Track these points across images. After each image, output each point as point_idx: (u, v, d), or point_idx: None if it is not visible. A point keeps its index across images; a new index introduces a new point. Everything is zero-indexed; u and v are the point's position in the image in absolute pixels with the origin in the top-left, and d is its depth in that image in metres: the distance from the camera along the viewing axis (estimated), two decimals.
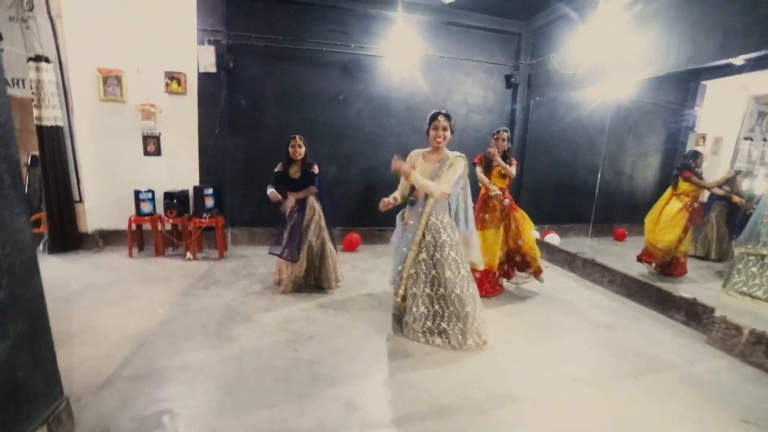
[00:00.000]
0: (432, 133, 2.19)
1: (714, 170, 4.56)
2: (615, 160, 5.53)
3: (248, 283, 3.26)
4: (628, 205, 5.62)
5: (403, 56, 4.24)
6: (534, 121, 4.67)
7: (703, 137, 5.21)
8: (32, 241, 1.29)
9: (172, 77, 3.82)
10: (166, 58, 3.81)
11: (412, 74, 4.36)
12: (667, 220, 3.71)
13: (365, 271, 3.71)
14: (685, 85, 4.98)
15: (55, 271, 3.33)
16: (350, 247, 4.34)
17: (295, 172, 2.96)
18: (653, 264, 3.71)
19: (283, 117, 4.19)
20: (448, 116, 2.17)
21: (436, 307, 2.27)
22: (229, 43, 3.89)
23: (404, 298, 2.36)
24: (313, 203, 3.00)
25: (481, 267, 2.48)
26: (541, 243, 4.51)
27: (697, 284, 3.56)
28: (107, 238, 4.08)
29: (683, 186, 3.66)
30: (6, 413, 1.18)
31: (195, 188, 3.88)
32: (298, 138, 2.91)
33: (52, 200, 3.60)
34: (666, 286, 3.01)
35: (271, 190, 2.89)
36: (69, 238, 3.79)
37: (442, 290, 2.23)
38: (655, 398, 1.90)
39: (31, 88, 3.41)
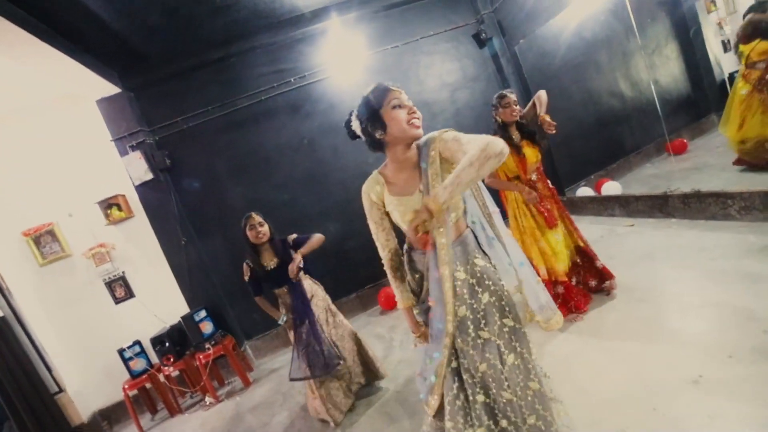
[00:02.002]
0: (403, 116, 1.10)
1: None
2: (629, 69, 4.68)
3: (287, 418, 2.40)
4: (667, 112, 4.70)
5: (353, 66, 3.55)
6: (529, 68, 3.87)
7: (713, 1, 4.37)
8: None
9: (110, 204, 3.17)
10: (95, 187, 3.17)
11: (371, 80, 3.64)
12: (741, 110, 2.82)
13: None
14: None
15: None
16: (389, 305, 3.46)
17: (269, 259, 2.17)
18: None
19: (252, 192, 3.47)
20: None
21: (503, 423, 1.13)
22: (157, 140, 3.25)
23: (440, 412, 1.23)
24: (309, 285, 2.24)
25: (561, 322, 1.46)
26: (607, 199, 3.59)
27: None
28: (113, 416, 3.31)
29: (750, 48, 2.69)
30: None
31: (184, 318, 3.11)
32: (254, 216, 2.15)
33: (18, 409, 2.84)
34: None
35: (265, 306, 2.25)
36: None
37: (506, 393, 1.12)
38: None
39: None
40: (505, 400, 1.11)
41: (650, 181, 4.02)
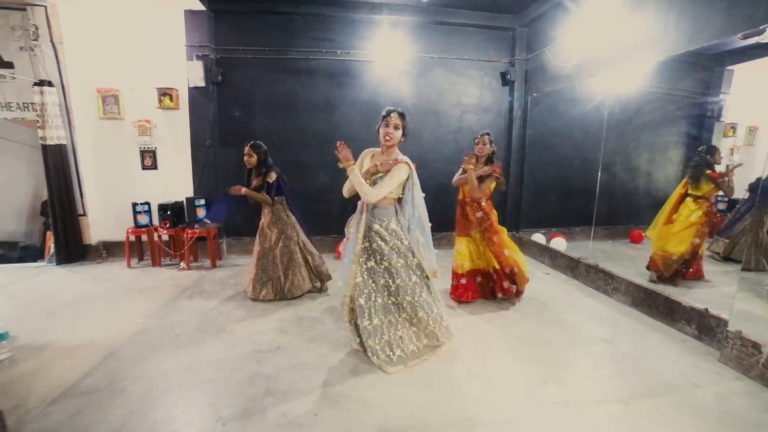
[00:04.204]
0: (382, 130, 2.03)
1: (751, 163, 4.13)
2: (629, 156, 5.12)
3: (232, 293, 3.26)
4: (645, 205, 5.17)
5: (391, 60, 4.17)
6: (534, 119, 4.42)
7: (733, 127, 4.73)
8: None
9: (165, 93, 3.96)
10: (159, 76, 3.95)
11: (402, 78, 4.27)
12: (683, 227, 3.32)
13: None
14: (707, 72, 4.54)
15: (54, 282, 3.51)
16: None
17: (253, 180, 3.02)
18: (657, 273, 3.31)
19: (272, 127, 4.22)
20: (402, 115, 2.03)
21: (390, 317, 2.12)
22: (217, 57, 3.99)
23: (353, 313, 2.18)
24: (279, 213, 3.04)
25: (438, 275, 2.23)
26: (545, 248, 4.23)
27: (715, 290, 3.16)
28: (111, 250, 4.25)
29: (705, 187, 3.23)
30: None
31: (187, 199, 3.96)
32: (248, 147, 2.94)
33: (57, 215, 3.80)
34: (676, 293, 2.68)
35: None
36: (74, 250, 3.98)
37: (393, 298, 2.11)
38: (645, 427, 1.65)
39: (36, 110, 3.64)
40: (407, 302, 2.08)
41: (594, 253, 4.59)
